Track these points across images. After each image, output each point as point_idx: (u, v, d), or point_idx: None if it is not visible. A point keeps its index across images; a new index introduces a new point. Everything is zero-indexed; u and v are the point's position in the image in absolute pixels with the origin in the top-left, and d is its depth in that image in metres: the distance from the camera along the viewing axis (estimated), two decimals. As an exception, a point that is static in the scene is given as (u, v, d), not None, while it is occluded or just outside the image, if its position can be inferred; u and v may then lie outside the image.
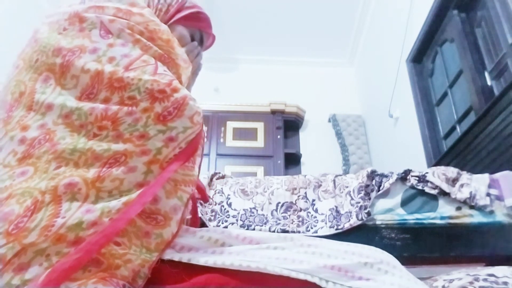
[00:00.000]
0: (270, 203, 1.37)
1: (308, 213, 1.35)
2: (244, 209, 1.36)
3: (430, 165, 2.52)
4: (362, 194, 1.32)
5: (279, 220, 1.33)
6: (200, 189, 0.87)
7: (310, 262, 0.60)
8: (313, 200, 1.39)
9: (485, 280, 0.74)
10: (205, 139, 0.76)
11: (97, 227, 0.54)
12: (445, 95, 2.59)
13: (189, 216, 0.87)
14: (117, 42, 0.68)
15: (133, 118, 0.62)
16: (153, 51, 0.70)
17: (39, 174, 0.57)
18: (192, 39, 0.86)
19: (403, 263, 0.68)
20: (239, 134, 3.77)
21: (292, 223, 1.32)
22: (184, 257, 0.61)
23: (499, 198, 1.30)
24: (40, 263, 0.51)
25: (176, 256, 0.62)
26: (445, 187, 1.30)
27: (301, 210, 1.36)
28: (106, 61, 0.66)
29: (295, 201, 1.37)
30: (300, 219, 1.34)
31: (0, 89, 0.72)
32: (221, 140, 3.74)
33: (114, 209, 0.56)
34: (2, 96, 0.70)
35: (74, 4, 0.75)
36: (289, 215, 1.34)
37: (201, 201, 1.03)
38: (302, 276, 0.58)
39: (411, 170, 1.38)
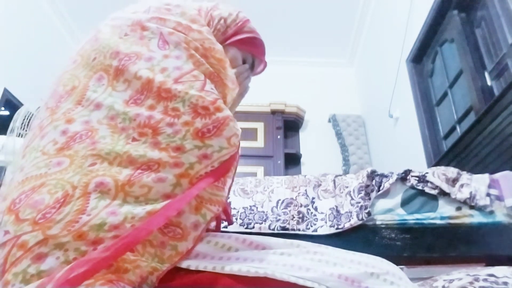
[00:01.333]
0: (270, 201, 1.37)
1: (308, 210, 1.36)
2: (243, 207, 1.36)
3: (430, 165, 2.52)
4: (362, 194, 1.32)
5: (279, 216, 1.33)
6: (226, 212, 0.88)
7: (317, 270, 0.60)
8: (313, 198, 1.39)
9: (485, 280, 0.73)
10: (239, 161, 0.76)
11: (117, 231, 0.54)
12: (445, 95, 2.59)
13: (211, 227, 0.86)
14: (172, 54, 0.70)
15: (173, 129, 0.63)
16: (205, 68, 0.72)
17: (74, 167, 0.58)
18: (244, 63, 0.88)
19: (403, 263, 0.68)
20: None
21: (292, 219, 1.32)
22: (192, 265, 0.61)
23: (499, 198, 1.30)
24: (57, 256, 0.52)
25: (184, 263, 0.61)
26: (445, 187, 1.30)
27: (301, 205, 1.36)
28: (158, 71, 0.68)
29: (296, 197, 1.37)
30: (301, 215, 1.33)
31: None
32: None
33: (138, 217, 0.56)
34: (54, 86, 0.73)
35: (138, 11, 0.78)
36: (289, 211, 1.34)
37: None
38: (309, 284, 0.58)
39: (411, 170, 1.38)
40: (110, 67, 0.69)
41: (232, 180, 0.74)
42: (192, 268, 0.61)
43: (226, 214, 0.88)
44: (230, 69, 0.77)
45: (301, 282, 0.58)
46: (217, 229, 0.87)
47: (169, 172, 0.61)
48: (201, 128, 0.64)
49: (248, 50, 0.88)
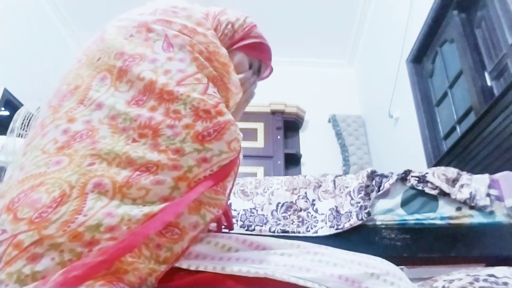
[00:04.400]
0: (270, 203, 1.37)
1: (308, 213, 1.36)
2: (244, 209, 1.36)
3: (430, 165, 2.52)
4: (362, 194, 1.32)
5: (279, 220, 1.33)
6: (228, 217, 0.87)
7: (317, 270, 0.60)
8: (313, 200, 1.39)
9: (485, 280, 0.73)
10: (239, 166, 0.76)
11: (113, 233, 0.54)
12: (445, 95, 2.59)
13: (212, 228, 0.86)
14: (176, 57, 0.70)
15: (173, 131, 0.63)
16: (208, 71, 0.71)
17: (73, 166, 0.58)
18: (250, 68, 0.87)
19: (403, 264, 0.68)
20: (239, 134, 3.76)
21: (292, 223, 1.33)
22: (192, 265, 0.61)
23: (499, 198, 1.30)
24: (53, 257, 0.51)
25: (184, 264, 0.61)
26: (445, 188, 1.30)
27: (301, 210, 1.36)
28: (161, 73, 0.68)
29: (295, 201, 1.37)
30: (300, 219, 1.34)
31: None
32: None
33: (134, 219, 0.56)
34: (58, 85, 0.73)
35: (144, 13, 0.78)
36: (289, 215, 1.34)
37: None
38: (310, 285, 0.58)
39: (411, 170, 1.38)
40: (114, 68, 0.69)
41: (232, 186, 0.74)
42: (193, 268, 0.60)
43: (227, 219, 0.87)
44: (234, 73, 0.76)
45: (301, 282, 0.58)
46: (218, 230, 0.87)
47: (168, 175, 0.61)
48: (202, 131, 0.64)
49: (255, 55, 0.88)
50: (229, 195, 0.73)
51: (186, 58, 0.71)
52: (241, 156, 0.74)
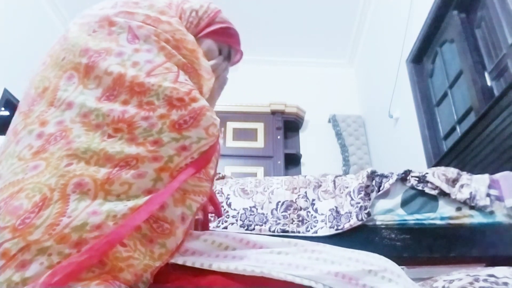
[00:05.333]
0: (270, 202, 1.37)
1: (308, 213, 1.35)
2: (244, 208, 1.36)
3: (430, 165, 2.51)
4: (362, 195, 1.32)
5: (279, 219, 1.33)
6: (215, 204, 0.87)
7: (314, 268, 0.60)
8: (313, 200, 1.39)
9: (485, 280, 0.73)
10: (220, 152, 0.75)
11: (101, 231, 0.54)
12: (445, 95, 2.59)
13: (199, 217, 0.86)
14: (143, 48, 0.69)
15: (148, 123, 0.62)
16: (177, 59, 0.71)
17: (50, 169, 0.57)
18: (220, 54, 0.87)
19: (403, 264, 0.68)
20: (239, 134, 3.77)
21: (292, 222, 1.32)
22: (188, 261, 0.61)
23: (499, 198, 1.30)
24: (41, 262, 0.51)
25: (179, 260, 0.61)
26: (445, 188, 1.30)
27: (301, 209, 1.36)
28: (129, 65, 0.67)
29: (295, 200, 1.37)
30: (300, 218, 1.33)
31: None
32: (221, 140, 3.73)
33: (120, 214, 0.55)
34: (26, 89, 0.72)
35: (105, 7, 0.76)
36: (289, 214, 1.34)
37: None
38: (306, 282, 0.58)
39: (411, 170, 1.38)
40: (80, 65, 0.68)
41: (215, 172, 0.73)
42: (188, 264, 0.60)
43: (214, 206, 0.86)
44: (204, 59, 0.76)
45: (297, 280, 0.58)
46: (205, 222, 0.87)
47: (149, 167, 0.60)
48: (178, 120, 0.63)
49: (223, 40, 0.87)
50: (213, 181, 0.73)
51: (153, 48, 0.70)
52: (221, 141, 0.73)
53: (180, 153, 0.63)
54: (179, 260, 0.61)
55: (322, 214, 1.35)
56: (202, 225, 0.86)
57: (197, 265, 0.60)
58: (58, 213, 0.53)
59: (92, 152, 0.59)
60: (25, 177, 0.57)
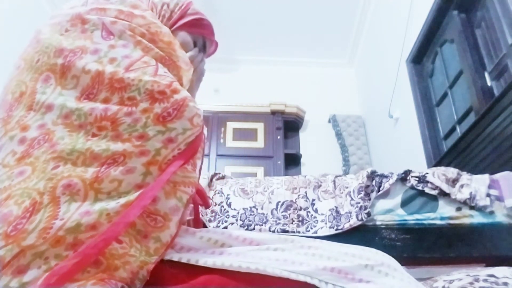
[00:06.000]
0: (270, 202, 1.37)
1: (308, 213, 1.35)
2: (244, 208, 1.36)
3: (430, 165, 2.51)
4: (362, 195, 1.32)
5: (279, 219, 1.33)
6: (202, 194, 0.86)
7: (310, 264, 0.60)
8: (313, 200, 1.39)
9: (485, 280, 0.73)
10: (206, 142, 0.76)
11: (96, 230, 0.53)
12: (445, 95, 2.59)
13: (190, 217, 0.86)
14: (119, 44, 0.69)
15: (132, 118, 0.62)
16: (154, 52, 0.70)
17: (37, 173, 0.57)
18: (195, 46, 0.86)
19: (403, 264, 0.67)
20: (239, 134, 3.77)
21: (292, 222, 1.32)
22: (183, 258, 0.61)
23: (499, 198, 1.30)
24: (39, 265, 0.51)
25: (175, 256, 0.61)
26: (445, 188, 1.30)
27: (301, 209, 1.36)
28: (107, 62, 0.66)
29: (295, 199, 1.37)
30: (300, 218, 1.33)
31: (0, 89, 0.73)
32: (221, 140, 3.74)
33: (113, 212, 0.55)
34: (2, 95, 0.71)
35: (76, 6, 0.75)
36: (289, 214, 1.34)
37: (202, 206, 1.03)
38: (301, 278, 0.58)
39: (411, 170, 1.38)
40: (55, 66, 0.67)
41: (202, 162, 0.73)
42: (184, 261, 0.61)
43: (201, 197, 0.86)
44: (181, 50, 0.75)
45: (293, 276, 0.58)
46: (196, 214, 0.87)
47: (137, 162, 0.60)
48: (161, 112, 0.63)
49: (197, 32, 0.86)
50: (200, 171, 0.73)
51: (129, 43, 0.69)
52: (205, 131, 0.72)
53: (167, 146, 0.63)
54: (174, 257, 0.61)
55: (322, 214, 1.35)
56: (194, 221, 0.86)
57: (192, 262, 0.60)
58: (50, 216, 0.53)
59: (78, 153, 0.59)
60: (12, 183, 0.56)
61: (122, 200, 0.57)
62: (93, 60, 0.66)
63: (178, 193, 0.64)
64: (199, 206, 0.89)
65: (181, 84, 0.73)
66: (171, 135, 0.63)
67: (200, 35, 0.88)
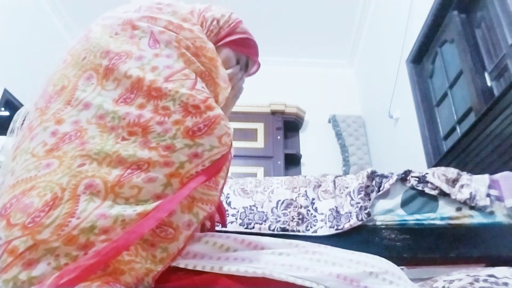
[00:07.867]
0: (270, 201, 1.37)
1: (308, 211, 1.35)
2: (243, 207, 1.36)
3: (430, 165, 2.51)
4: (362, 195, 1.32)
5: (279, 217, 1.33)
6: (222, 213, 0.87)
7: (315, 269, 0.60)
8: (313, 199, 1.39)
9: (485, 280, 0.73)
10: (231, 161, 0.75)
11: (108, 234, 0.54)
12: (445, 95, 2.59)
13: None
14: (163, 53, 0.70)
15: (163, 128, 0.62)
16: (196, 66, 0.71)
17: (63, 168, 0.57)
18: (237, 63, 0.87)
19: (403, 264, 0.68)
20: (239, 134, 3.76)
21: (292, 220, 1.32)
22: (189, 264, 0.61)
23: (499, 198, 1.30)
24: (49, 262, 0.51)
25: (181, 263, 0.61)
26: (445, 188, 1.30)
27: (301, 207, 1.36)
28: (149, 70, 0.67)
29: (295, 198, 1.37)
30: (300, 216, 1.33)
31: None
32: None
33: (128, 219, 0.55)
34: (44, 86, 0.72)
35: (129, 11, 0.77)
36: (289, 212, 1.34)
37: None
38: (307, 284, 0.58)
39: (411, 170, 1.38)
40: (100, 66, 0.68)
41: (225, 181, 0.73)
42: (190, 267, 0.60)
43: (220, 215, 0.87)
44: (222, 68, 0.76)
45: (299, 282, 0.58)
46: (211, 230, 0.87)
47: (160, 172, 0.60)
48: (192, 126, 0.63)
49: (242, 51, 0.87)
50: (221, 190, 0.73)
51: (173, 54, 0.70)
52: (232, 151, 0.73)
53: (192, 160, 0.63)
54: (181, 263, 0.61)
55: (322, 214, 1.35)
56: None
57: (198, 268, 0.60)
58: (67, 214, 0.53)
59: (105, 154, 0.60)
60: (38, 174, 0.57)
61: (139, 209, 0.57)
62: (136, 66, 0.67)
63: (195, 209, 0.63)
64: (216, 223, 0.89)
65: (217, 101, 0.73)
66: (198, 150, 0.63)
67: (244, 54, 0.88)
